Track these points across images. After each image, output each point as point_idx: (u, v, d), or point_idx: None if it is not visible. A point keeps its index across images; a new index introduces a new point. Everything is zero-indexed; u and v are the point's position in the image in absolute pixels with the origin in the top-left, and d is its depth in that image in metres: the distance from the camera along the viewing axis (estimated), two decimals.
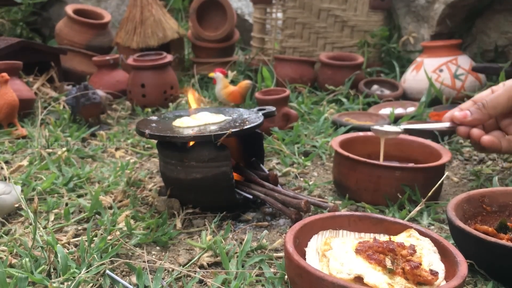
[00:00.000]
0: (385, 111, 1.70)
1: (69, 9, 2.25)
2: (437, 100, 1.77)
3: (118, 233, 0.87)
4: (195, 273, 0.75)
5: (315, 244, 0.74)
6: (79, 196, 1.07)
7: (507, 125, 0.75)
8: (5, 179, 1.10)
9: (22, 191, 1.03)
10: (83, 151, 1.35)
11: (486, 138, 0.73)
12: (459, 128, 0.74)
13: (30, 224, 0.91)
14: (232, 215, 0.97)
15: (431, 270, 0.64)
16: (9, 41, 1.86)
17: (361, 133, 1.18)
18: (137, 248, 0.83)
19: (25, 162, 1.23)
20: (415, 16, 2.16)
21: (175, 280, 0.74)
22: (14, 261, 0.78)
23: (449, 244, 0.69)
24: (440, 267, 0.66)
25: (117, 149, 1.41)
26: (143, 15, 2.17)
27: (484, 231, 0.77)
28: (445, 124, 0.76)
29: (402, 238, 0.72)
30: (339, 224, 0.78)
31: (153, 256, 0.82)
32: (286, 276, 0.72)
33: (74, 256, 0.78)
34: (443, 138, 1.39)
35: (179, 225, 0.92)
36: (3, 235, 0.88)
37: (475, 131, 0.73)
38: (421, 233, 0.73)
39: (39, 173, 1.18)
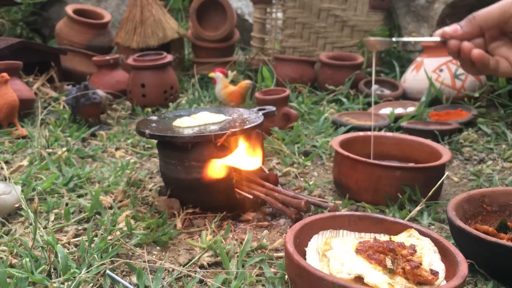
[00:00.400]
0: (385, 110, 1.70)
1: (69, 9, 2.25)
2: (437, 100, 1.77)
3: (118, 233, 0.87)
4: (195, 273, 0.75)
5: (315, 244, 0.74)
6: (79, 196, 1.07)
7: (495, 47, 0.75)
8: (5, 179, 1.10)
9: (22, 191, 1.03)
10: (83, 151, 1.35)
11: (476, 51, 0.73)
12: (449, 42, 0.74)
13: (30, 224, 0.91)
14: (232, 215, 0.97)
15: (431, 270, 0.64)
16: (9, 41, 1.86)
17: (361, 133, 1.18)
18: (137, 248, 0.83)
19: (25, 162, 1.23)
20: (415, 15, 2.16)
21: (175, 280, 0.74)
22: (14, 261, 0.78)
23: (450, 244, 0.69)
24: (440, 267, 0.66)
25: (117, 149, 1.41)
26: (143, 15, 2.17)
27: (484, 231, 0.77)
28: (436, 38, 0.75)
29: (402, 238, 0.72)
30: (339, 224, 0.78)
31: (154, 256, 0.82)
32: (286, 276, 0.72)
33: (75, 256, 0.78)
34: (443, 138, 1.39)
35: (179, 225, 0.92)
36: (3, 235, 0.88)
37: (466, 44, 0.73)
38: (422, 233, 0.73)
39: (39, 173, 1.18)
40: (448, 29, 0.75)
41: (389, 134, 1.19)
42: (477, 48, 0.74)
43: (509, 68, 0.76)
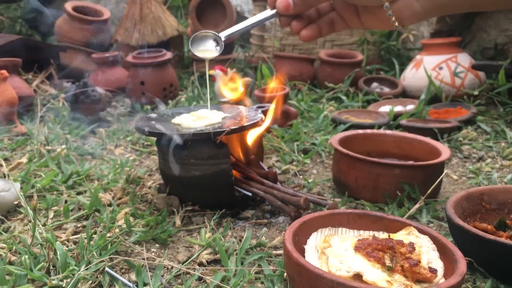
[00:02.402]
0: (385, 108, 1.70)
1: (68, 6, 2.25)
2: (436, 98, 1.77)
3: (117, 230, 0.87)
4: (194, 271, 0.75)
5: (314, 241, 0.74)
6: (79, 193, 1.07)
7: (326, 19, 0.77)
8: (4, 176, 1.10)
9: (21, 188, 1.03)
10: (82, 149, 1.35)
11: (305, 34, 0.74)
12: (281, 19, 0.74)
13: (30, 221, 0.91)
14: (231, 212, 0.97)
15: (430, 268, 0.64)
16: (8, 38, 1.86)
17: (360, 131, 1.18)
18: (136, 246, 0.83)
19: (24, 159, 1.23)
20: None
21: (174, 277, 0.74)
22: (13, 258, 0.78)
23: (448, 242, 0.69)
24: (439, 265, 0.66)
25: (116, 146, 1.41)
26: (143, 12, 2.16)
27: (483, 229, 0.77)
28: (271, 12, 0.74)
29: (401, 235, 0.72)
30: (338, 222, 0.78)
31: (153, 254, 0.82)
32: (285, 274, 0.72)
33: (74, 253, 0.78)
34: (442, 136, 1.39)
35: (178, 222, 0.92)
36: (3, 232, 0.88)
37: (295, 25, 0.74)
38: (420, 230, 0.73)
39: (39, 170, 1.18)
40: (280, 2, 0.74)
41: (389, 132, 1.19)
42: (306, 30, 0.74)
43: (345, 26, 0.76)
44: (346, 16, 0.74)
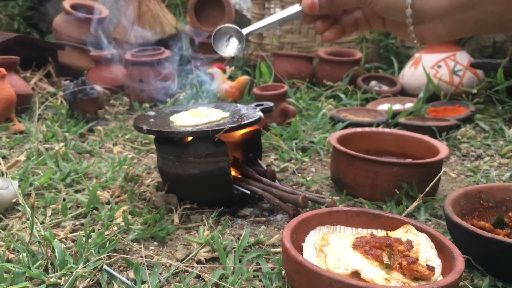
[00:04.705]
0: (383, 107, 1.70)
1: (66, 4, 2.24)
2: (435, 96, 1.77)
3: (115, 228, 0.87)
4: (192, 268, 0.75)
5: (312, 239, 0.74)
6: (77, 191, 1.07)
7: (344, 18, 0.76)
8: (3, 174, 1.10)
9: (19, 186, 1.03)
10: (80, 147, 1.35)
11: (328, 35, 0.74)
12: (306, 17, 0.73)
13: (28, 219, 0.91)
14: (230, 210, 0.97)
15: (428, 265, 0.64)
16: (6, 36, 1.85)
17: (359, 129, 1.18)
18: (134, 243, 0.83)
19: (22, 157, 1.22)
20: None
21: (172, 275, 0.74)
22: (11, 256, 0.78)
23: (446, 240, 0.69)
24: (437, 263, 0.66)
25: (114, 144, 1.41)
26: (141, 10, 2.16)
27: (481, 227, 0.77)
28: (297, 8, 0.73)
29: (399, 233, 0.73)
30: (336, 220, 0.78)
31: (151, 251, 0.82)
32: (283, 272, 0.72)
33: (72, 251, 0.78)
34: (441, 134, 1.39)
35: (176, 220, 0.92)
36: (1, 230, 0.88)
37: (319, 25, 0.74)
38: (418, 228, 0.73)
39: (37, 168, 1.17)
40: (307, 4, 0.73)
41: (387, 130, 1.19)
42: (329, 32, 0.74)
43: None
44: (371, 18, 0.74)
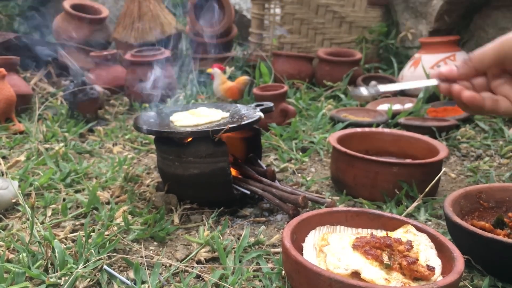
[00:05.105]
0: (383, 107, 1.70)
1: (66, 4, 2.24)
2: (434, 96, 1.77)
3: (115, 228, 0.87)
4: (192, 268, 0.75)
5: (312, 239, 0.74)
6: (77, 191, 1.07)
7: (497, 85, 0.73)
8: (3, 174, 1.10)
9: (19, 186, 1.03)
10: (80, 147, 1.35)
11: (467, 94, 0.71)
12: (440, 85, 0.72)
13: (28, 219, 0.91)
14: (230, 210, 0.97)
15: (428, 266, 0.64)
16: (6, 36, 1.86)
17: (358, 129, 1.18)
18: (134, 244, 0.83)
19: (22, 158, 1.23)
20: (413, 12, 2.16)
21: (172, 275, 0.74)
22: (11, 256, 0.78)
23: (446, 240, 0.69)
24: (436, 263, 0.66)
25: (114, 144, 1.41)
26: (141, 10, 2.16)
27: (481, 227, 0.77)
28: (433, 82, 0.74)
29: (399, 233, 0.73)
30: (336, 220, 0.78)
31: (151, 252, 0.82)
32: (283, 272, 0.72)
33: (72, 251, 0.78)
34: (440, 134, 1.39)
35: (176, 220, 0.92)
36: (1, 230, 0.88)
37: (456, 87, 0.71)
38: (418, 228, 0.73)
39: (37, 168, 1.17)
40: (444, 69, 0.73)
41: (387, 130, 1.19)
42: (469, 90, 0.72)
43: (510, 108, 0.72)
44: None
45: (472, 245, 0.72)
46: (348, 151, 1.01)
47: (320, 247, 0.70)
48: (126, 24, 2.17)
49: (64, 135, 1.43)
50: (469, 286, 0.70)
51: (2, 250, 0.79)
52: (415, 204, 0.90)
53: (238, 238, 0.86)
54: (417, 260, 0.64)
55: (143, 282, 0.72)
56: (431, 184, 0.92)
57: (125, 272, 0.76)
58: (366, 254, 0.65)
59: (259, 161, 1.08)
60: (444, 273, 0.65)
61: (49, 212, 0.96)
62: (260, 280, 0.73)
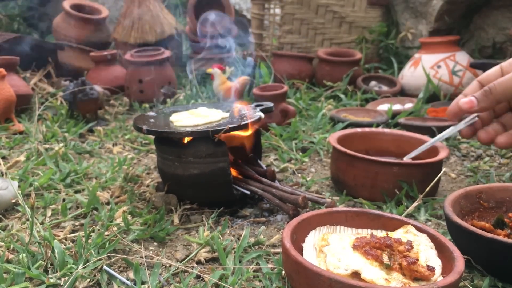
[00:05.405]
0: (383, 107, 1.70)
1: (66, 4, 2.24)
2: (435, 96, 1.77)
3: (115, 228, 0.87)
4: (192, 269, 0.75)
5: (312, 239, 0.74)
6: (77, 191, 1.07)
7: (509, 119, 0.70)
8: (2, 175, 1.10)
9: (19, 186, 1.03)
10: (80, 147, 1.35)
11: (503, 140, 0.68)
12: (462, 131, 0.70)
13: (27, 219, 0.91)
14: (230, 210, 0.97)
15: (428, 266, 0.64)
16: (6, 36, 1.86)
17: (359, 129, 1.18)
18: (134, 244, 0.83)
19: (22, 158, 1.22)
20: (413, 12, 2.16)
21: (172, 275, 0.74)
22: (11, 256, 0.78)
23: (446, 240, 0.69)
24: (437, 263, 0.66)
25: (114, 144, 1.41)
26: (141, 10, 2.16)
27: (481, 227, 0.77)
28: (460, 126, 0.72)
29: (399, 234, 0.73)
30: (336, 220, 0.78)
31: (151, 252, 0.82)
32: (283, 272, 0.72)
33: (71, 251, 0.78)
34: None
35: (176, 220, 0.92)
36: (0, 230, 0.88)
37: (483, 135, 0.69)
38: (418, 229, 0.73)
39: (36, 168, 1.17)
40: (464, 103, 0.70)
41: (387, 130, 1.19)
42: (502, 136, 0.69)
43: None
44: None
45: (472, 245, 0.72)
46: (348, 151, 1.01)
47: (320, 247, 0.70)
48: (126, 24, 2.17)
49: (64, 135, 1.43)
50: (469, 286, 0.70)
51: (2, 251, 0.79)
52: (415, 204, 0.90)
53: (238, 239, 0.86)
54: (417, 260, 0.64)
55: (143, 283, 0.72)
56: (431, 184, 0.92)
57: (125, 273, 0.76)
58: (366, 254, 0.65)
59: (259, 161, 1.08)
60: (444, 273, 0.65)
61: (49, 213, 0.96)
62: (260, 281, 0.73)
